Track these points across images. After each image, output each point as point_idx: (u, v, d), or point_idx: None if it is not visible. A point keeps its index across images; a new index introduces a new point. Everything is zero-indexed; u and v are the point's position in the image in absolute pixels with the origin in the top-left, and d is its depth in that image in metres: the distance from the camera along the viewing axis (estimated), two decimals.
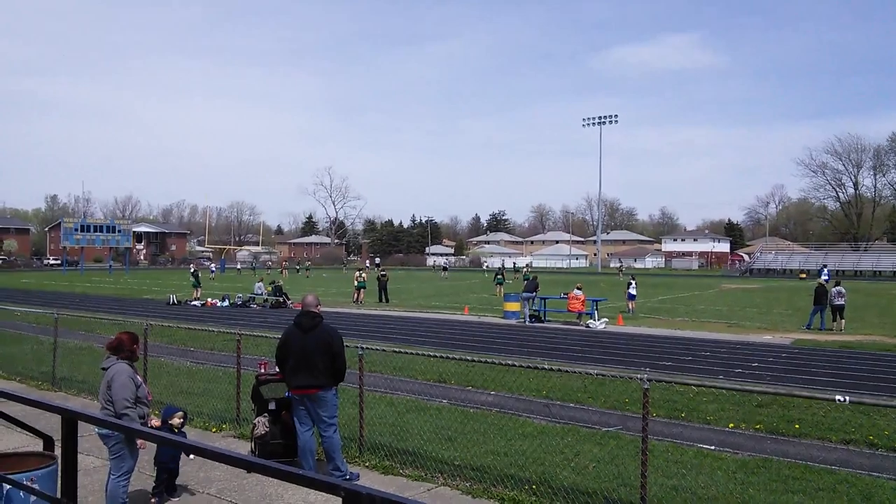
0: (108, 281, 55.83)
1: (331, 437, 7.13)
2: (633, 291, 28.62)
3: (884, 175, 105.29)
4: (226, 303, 32.31)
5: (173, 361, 14.76)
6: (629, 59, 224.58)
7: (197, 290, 34.82)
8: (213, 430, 9.22)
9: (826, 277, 33.00)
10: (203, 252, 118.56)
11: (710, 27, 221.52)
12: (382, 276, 34.49)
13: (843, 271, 73.91)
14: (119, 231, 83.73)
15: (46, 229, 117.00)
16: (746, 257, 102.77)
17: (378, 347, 9.57)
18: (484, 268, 72.13)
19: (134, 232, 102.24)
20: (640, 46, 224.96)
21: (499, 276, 41.72)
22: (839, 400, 5.59)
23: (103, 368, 6.10)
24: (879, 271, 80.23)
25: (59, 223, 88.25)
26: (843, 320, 22.64)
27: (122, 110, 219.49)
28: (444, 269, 77.57)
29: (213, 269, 65.63)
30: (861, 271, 79.88)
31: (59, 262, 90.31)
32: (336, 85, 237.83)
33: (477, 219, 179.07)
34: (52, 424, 4.21)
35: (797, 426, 9.66)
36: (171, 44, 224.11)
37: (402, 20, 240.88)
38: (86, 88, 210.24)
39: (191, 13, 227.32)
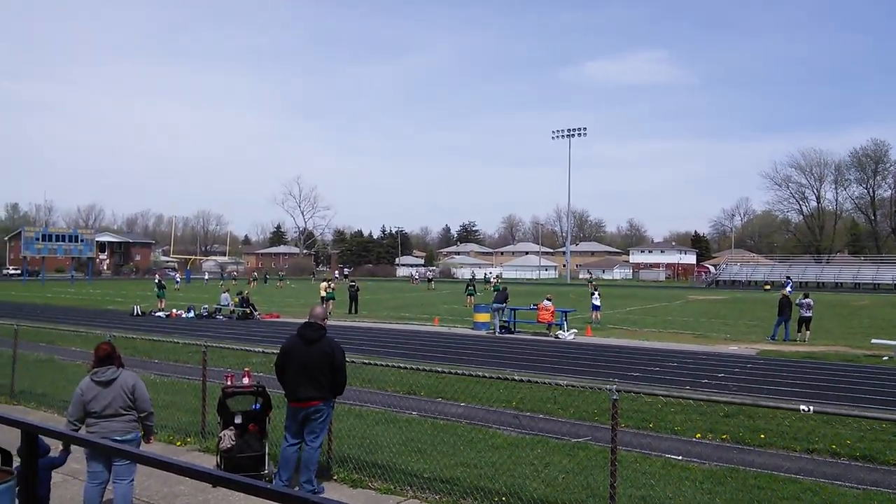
0: (69, 291, 54.69)
1: (316, 450, 7.14)
2: (596, 302, 28.89)
3: (845, 189, 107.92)
4: (191, 314, 31.84)
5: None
6: (599, 73, 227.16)
7: (161, 301, 34.28)
8: (178, 443, 9.06)
9: (790, 289, 33.59)
10: (168, 262, 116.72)
11: (677, 43, 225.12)
12: (352, 286, 34.36)
13: (806, 283, 75.48)
14: (82, 240, 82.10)
15: (6, 238, 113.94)
16: (712, 269, 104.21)
17: (348, 359, 9.49)
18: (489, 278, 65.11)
19: (97, 241, 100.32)
20: (610, 61, 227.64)
21: (470, 287, 41.80)
22: (803, 410, 5.68)
23: (108, 381, 6.13)
24: (841, 283, 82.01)
25: (20, 232, 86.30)
26: (809, 332, 23.04)
27: (88, 117, 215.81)
28: (430, 279, 71.60)
29: (179, 279, 64.64)
30: (823, 283, 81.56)
31: (19, 272, 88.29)
32: (306, 93, 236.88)
33: (447, 230, 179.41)
34: (10, 439, 4.09)
35: (762, 436, 9.79)
36: (143, 47, 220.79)
37: (373, 28, 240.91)
38: (49, 93, 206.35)
39: (153, 15, 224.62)
